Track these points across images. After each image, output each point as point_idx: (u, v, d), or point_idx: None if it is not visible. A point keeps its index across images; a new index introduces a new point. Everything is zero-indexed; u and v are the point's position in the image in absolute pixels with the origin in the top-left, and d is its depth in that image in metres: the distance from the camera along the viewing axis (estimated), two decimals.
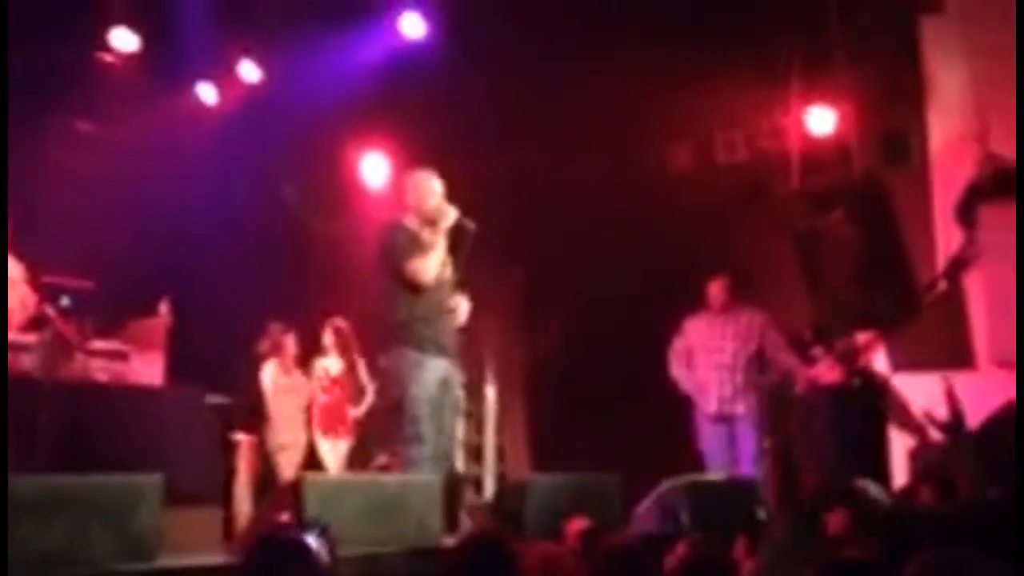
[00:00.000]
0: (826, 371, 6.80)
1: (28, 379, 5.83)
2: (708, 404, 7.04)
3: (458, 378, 5.88)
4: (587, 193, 8.21)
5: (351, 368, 7.86)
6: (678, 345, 7.23)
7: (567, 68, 7.76)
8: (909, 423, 6.73)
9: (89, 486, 4.30)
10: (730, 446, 7.00)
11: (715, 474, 6.64)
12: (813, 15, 7.19)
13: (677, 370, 7.17)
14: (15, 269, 6.19)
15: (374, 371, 8.14)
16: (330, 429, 7.76)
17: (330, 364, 7.83)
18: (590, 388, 7.96)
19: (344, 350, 7.87)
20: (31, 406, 5.72)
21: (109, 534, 4.27)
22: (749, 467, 6.88)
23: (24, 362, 5.89)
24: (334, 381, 7.81)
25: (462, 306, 5.80)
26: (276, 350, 7.71)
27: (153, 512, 4.45)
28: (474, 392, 9.49)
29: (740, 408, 7.01)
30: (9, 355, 5.85)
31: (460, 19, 7.80)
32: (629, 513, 5.77)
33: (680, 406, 7.15)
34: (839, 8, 7.08)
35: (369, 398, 7.87)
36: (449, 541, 5.99)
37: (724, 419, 7.01)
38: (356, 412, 7.83)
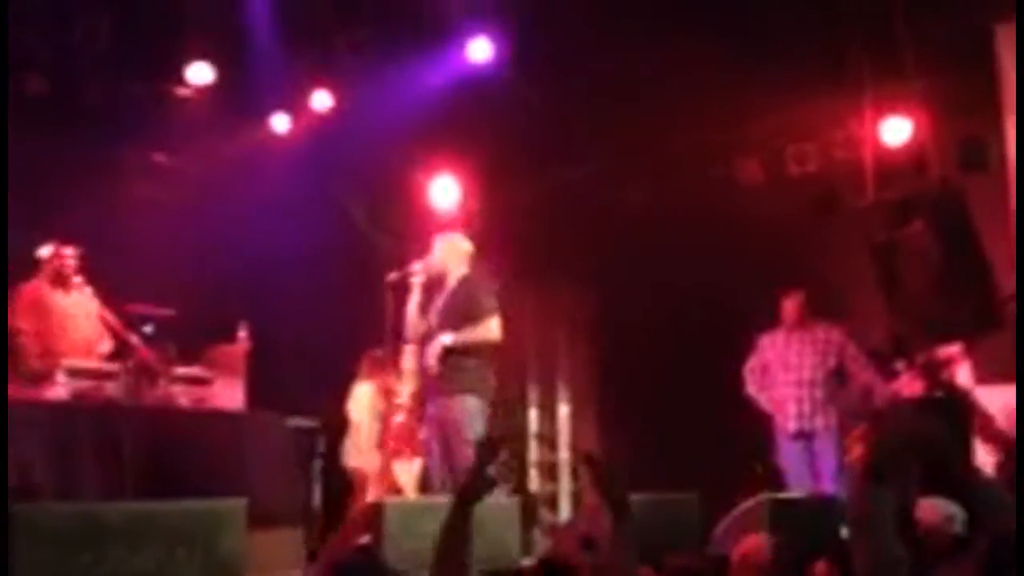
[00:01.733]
0: (908, 385, 6.66)
1: (113, 406, 5.96)
2: (787, 421, 6.95)
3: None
4: (656, 209, 8.18)
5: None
6: (753, 363, 7.15)
7: (632, 84, 7.75)
8: (994, 436, 6.56)
9: (176, 511, 4.38)
10: (810, 463, 6.90)
11: (796, 492, 6.54)
12: (883, 24, 7.09)
13: (753, 388, 7.10)
14: (92, 302, 6.35)
15: None
16: (402, 450, 7.80)
17: (402, 385, 7.88)
18: (664, 406, 7.90)
19: (417, 372, 7.90)
20: (116, 432, 5.86)
21: (196, 558, 4.35)
22: (830, 484, 6.76)
23: (109, 390, 6.01)
24: (407, 403, 7.85)
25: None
26: (373, 373, 7.78)
27: (238, 536, 4.52)
28: (546, 411, 9.50)
29: (819, 424, 6.90)
30: (95, 383, 5.99)
31: (523, 40, 7.83)
32: (708, 533, 5.71)
33: (758, 423, 7.06)
34: (908, 16, 6.97)
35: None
36: (526, 562, 6.00)
37: (803, 436, 6.91)
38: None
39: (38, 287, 6.20)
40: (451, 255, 6.12)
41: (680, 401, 7.72)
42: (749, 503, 5.74)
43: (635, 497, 5.71)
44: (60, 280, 6.22)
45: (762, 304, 7.17)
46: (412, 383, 7.81)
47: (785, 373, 6.99)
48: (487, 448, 2.86)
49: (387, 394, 7.76)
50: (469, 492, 2.76)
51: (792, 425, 6.93)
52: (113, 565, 4.07)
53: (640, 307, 8.33)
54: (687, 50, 7.26)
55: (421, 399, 7.80)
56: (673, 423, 7.75)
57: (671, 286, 8.06)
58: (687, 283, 7.92)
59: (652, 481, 6.32)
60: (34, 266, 6.29)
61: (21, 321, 6.10)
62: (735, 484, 6.06)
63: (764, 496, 5.83)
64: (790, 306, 7.06)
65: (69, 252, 6.19)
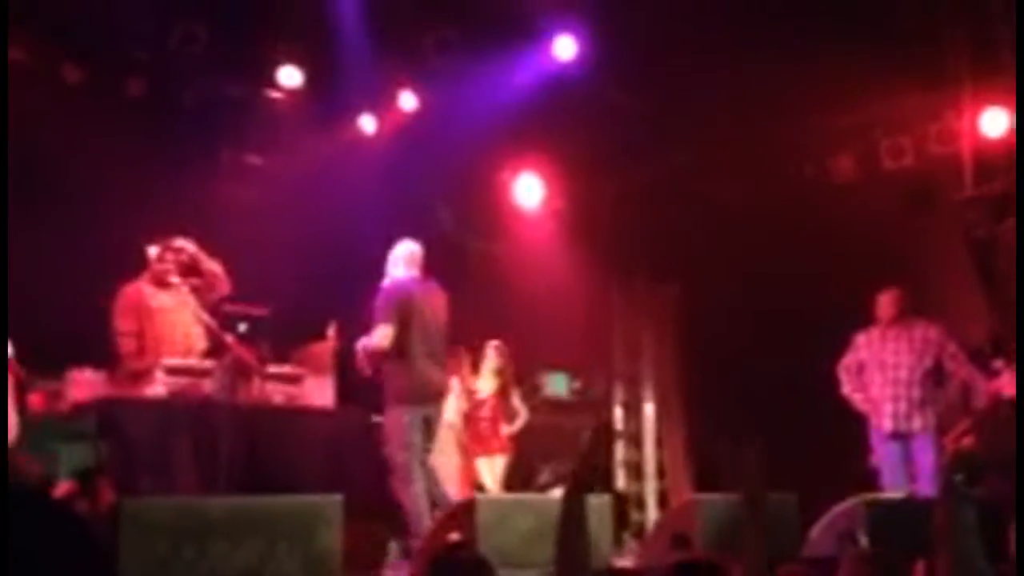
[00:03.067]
0: (1009, 383, 6.47)
1: (210, 403, 6.09)
2: (883, 421, 6.80)
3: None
4: (744, 205, 8.08)
5: (505, 388, 7.92)
6: (848, 361, 7.00)
7: (719, 80, 7.65)
8: None
9: (276, 507, 4.47)
10: (907, 464, 6.74)
11: (893, 493, 6.40)
12: (979, 15, 6.90)
13: (847, 387, 6.95)
14: (190, 301, 6.48)
15: (528, 392, 8.22)
16: (486, 447, 7.83)
17: (484, 384, 7.91)
18: (755, 405, 7.79)
19: (500, 371, 7.94)
20: (213, 429, 5.99)
21: (295, 553, 4.43)
22: (927, 485, 6.60)
23: (206, 387, 6.14)
24: (489, 401, 7.88)
25: None
26: (454, 372, 7.84)
27: (334, 531, 4.59)
28: (632, 409, 9.45)
29: (917, 424, 6.74)
30: (192, 380, 6.12)
31: (608, 36, 7.80)
32: (805, 535, 5.62)
33: (853, 423, 6.92)
34: (1005, 7, 6.77)
35: (523, 418, 7.90)
36: (619, 562, 5.98)
37: (900, 436, 6.75)
38: (510, 430, 7.87)
39: (139, 288, 6.34)
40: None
41: (772, 400, 7.61)
42: (846, 504, 5.64)
43: (732, 497, 5.71)
44: (161, 280, 6.36)
45: (857, 302, 7.02)
46: (493, 381, 7.84)
47: (881, 372, 6.83)
48: (597, 437, 2.85)
49: (468, 392, 7.81)
50: (581, 481, 2.75)
51: (888, 425, 6.78)
52: (216, 559, 4.17)
53: (728, 305, 8.23)
54: (776, 43, 7.15)
55: (503, 397, 7.85)
56: (765, 422, 7.63)
57: (760, 283, 7.95)
58: (777, 280, 7.80)
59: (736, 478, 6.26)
60: (137, 266, 6.45)
61: (122, 322, 6.24)
62: (831, 484, 5.94)
63: (861, 498, 5.72)
64: (886, 303, 6.90)
65: (171, 257, 6.33)
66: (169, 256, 6.33)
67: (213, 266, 6.44)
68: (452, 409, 7.72)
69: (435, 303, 6.13)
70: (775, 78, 7.28)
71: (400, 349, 5.86)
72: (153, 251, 6.34)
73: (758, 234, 7.99)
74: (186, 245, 6.37)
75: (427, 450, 6.05)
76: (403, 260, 6.14)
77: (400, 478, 5.78)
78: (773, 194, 7.91)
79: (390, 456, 5.86)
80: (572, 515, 2.78)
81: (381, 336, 5.84)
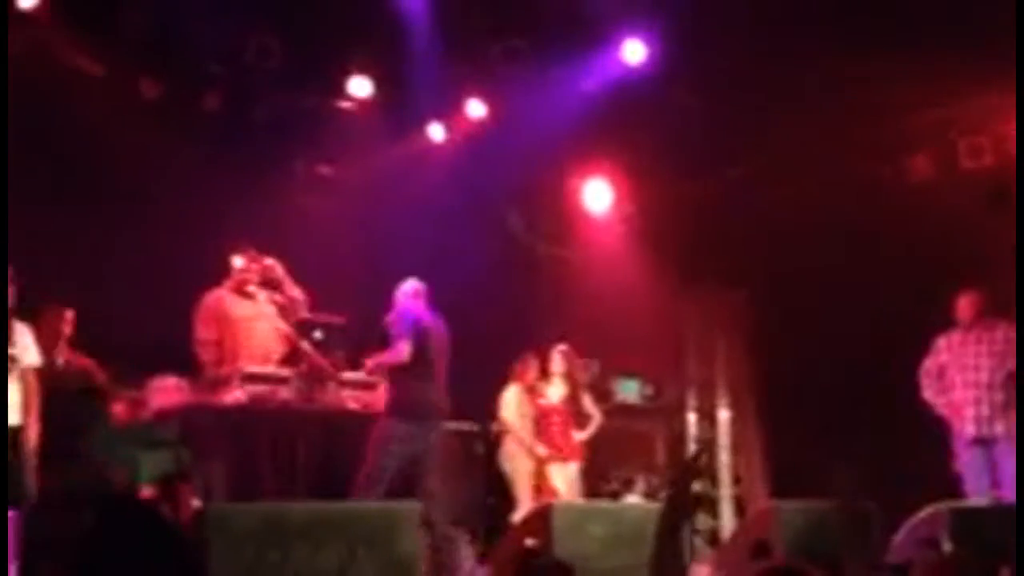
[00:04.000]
0: None
1: (288, 410, 6.18)
2: (965, 426, 6.64)
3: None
4: (817, 208, 7.96)
5: (574, 393, 7.90)
6: (928, 364, 6.85)
7: (791, 81, 7.56)
8: None
9: (356, 512, 4.54)
10: (990, 469, 6.58)
11: (978, 500, 6.26)
12: None
13: (928, 392, 6.80)
14: (271, 306, 6.60)
15: (598, 396, 8.19)
16: (558, 453, 7.81)
17: (554, 389, 7.91)
18: (832, 410, 7.68)
19: (568, 375, 7.92)
20: (291, 435, 6.08)
21: (375, 559, 4.48)
22: (1011, 491, 6.44)
23: (283, 394, 6.23)
24: (559, 406, 7.86)
25: None
26: (519, 377, 7.86)
27: (414, 537, 4.64)
28: (706, 415, 9.37)
29: (999, 429, 6.57)
30: (270, 387, 6.21)
31: (677, 40, 7.75)
32: (886, 542, 5.53)
33: (934, 427, 6.78)
34: None
35: (596, 422, 7.87)
36: (697, 568, 5.93)
37: (983, 441, 6.59)
38: (582, 436, 7.84)
39: (220, 297, 6.47)
40: None
41: (848, 406, 7.49)
42: (928, 511, 5.55)
43: (811, 504, 5.64)
44: (242, 289, 6.49)
45: (933, 304, 6.89)
46: (562, 387, 7.83)
47: (962, 375, 6.68)
48: (692, 468, 2.83)
49: (533, 397, 7.79)
50: (676, 512, 2.72)
51: (970, 430, 6.62)
52: (299, 563, 4.24)
53: (801, 309, 8.12)
54: (849, 42, 7.04)
55: (573, 402, 7.84)
56: (842, 427, 7.53)
57: (834, 287, 7.83)
58: (851, 283, 7.68)
59: (821, 488, 6.18)
60: (216, 275, 6.57)
61: (203, 331, 6.37)
62: (912, 491, 5.84)
63: (944, 504, 5.62)
64: (965, 305, 6.75)
65: (256, 268, 6.46)
66: (254, 267, 6.47)
67: (296, 292, 6.60)
68: (512, 412, 7.72)
69: (441, 334, 6.32)
70: (849, 78, 7.18)
71: (407, 366, 6.00)
72: (239, 262, 6.47)
73: (831, 237, 7.87)
74: (276, 266, 6.53)
75: (427, 471, 6.04)
76: (411, 293, 6.34)
77: (367, 475, 5.79)
78: (847, 196, 7.78)
79: (367, 455, 5.90)
80: (664, 548, 2.75)
81: (402, 351, 5.97)
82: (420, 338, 6.06)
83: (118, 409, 6.49)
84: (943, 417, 6.76)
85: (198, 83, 7.64)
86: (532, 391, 7.88)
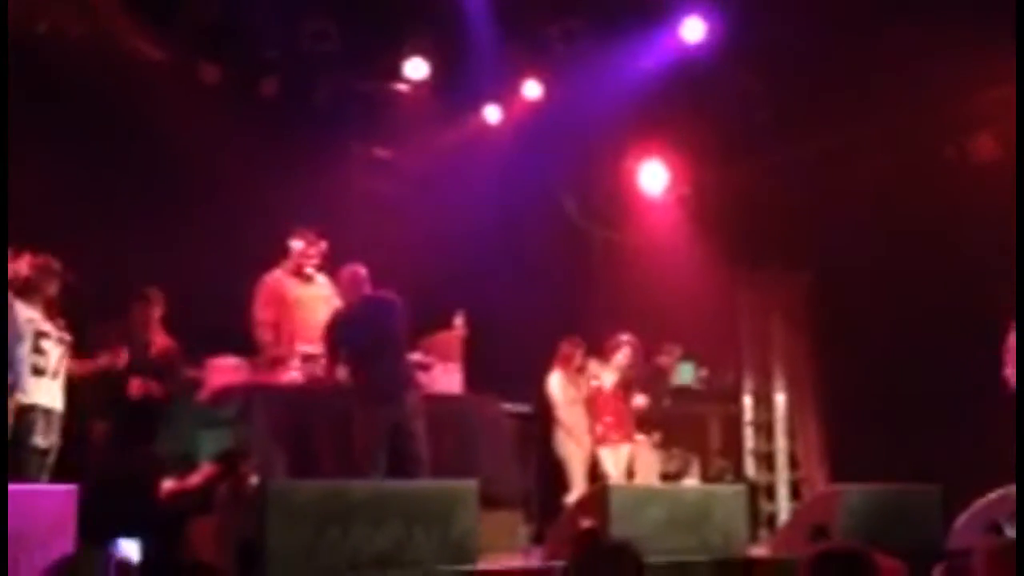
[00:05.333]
0: None
1: (343, 389, 6.18)
2: None
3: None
4: (875, 190, 7.82)
5: (627, 384, 7.85)
6: (1012, 342, 6.67)
7: (852, 60, 7.43)
8: None
9: (414, 491, 4.56)
10: None
11: None
12: None
13: (1007, 369, 6.63)
14: (327, 287, 6.65)
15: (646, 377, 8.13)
16: (609, 437, 7.77)
17: (608, 374, 7.86)
18: (893, 394, 7.55)
19: (627, 367, 7.87)
20: (346, 414, 6.12)
21: (432, 537, 4.50)
22: None
23: (339, 374, 6.27)
24: (612, 390, 7.82)
25: None
26: (563, 361, 7.82)
27: (471, 516, 4.65)
28: (763, 399, 9.28)
29: None
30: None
31: (737, 17, 7.65)
32: (949, 527, 5.45)
33: (999, 410, 6.62)
34: None
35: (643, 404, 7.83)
36: (754, 551, 5.89)
37: None
38: (639, 409, 7.78)
39: (278, 279, 6.55)
40: None
41: (910, 389, 7.36)
42: (992, 496, 5.45)
43: (872, 488, 5.57)
44: (300, 272, 6.56)
45: (999, 285, 6.72)
46: (616, 375, 7.78)
47: None
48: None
49: (575, 382, 7.75)
50: None
51: None
52: (358, 540, 4.27)
53: (862, 291, 8.00)
54: (911, 18, 6.89)
55: (627, 387, 7.79)
56: (904, 412, 7.41)
57: (896, 268, 7.70)
58: (913, 264, 7.54)
59: (881, 472, 6.10)
60: (274, 257, 6.64)
61: (261, 312, 6.46)
62: (977, 475, 5.73)
63: (1008, 489, 5.51)
64: None
65: (314, 252, 6.53)
66: (312, 250, 6.53)
67: None
68: (558, 397, 7.68)
69: (384, 313, 6.27)
70: (911, 56, 7.04)
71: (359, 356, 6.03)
72: (298, 244, 6.53)
73: (892, 218, 7.73)
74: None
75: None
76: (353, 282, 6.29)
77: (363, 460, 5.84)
78: (910, 176, 7.63)
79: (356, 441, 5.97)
80: None
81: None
82: (358, 332, 6.06)
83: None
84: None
85: (256, 68, 7.71)
86: (581, 374, 7.84)
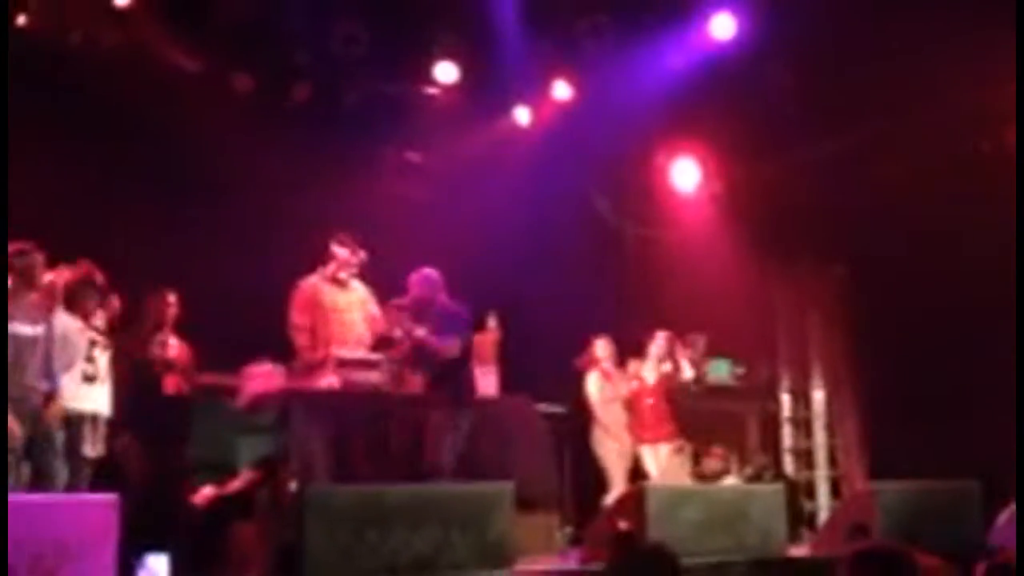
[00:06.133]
0: None
1: (380, 394, 6.26)
2: None
3: None
4: (914, 183, 7.74)
5: (673, 374, 7.82)
6: None
7: (885, 53, 7.34)
8: None
9: (451, 494, 4.58)
10: None
11: None
12: None
13: None
14: (363, 291, 6.69)
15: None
16: (649, 434, 7.74)
17: (648, 371, 7.83)
18: (929, 387, 7.47)
19: (667, 356, 7.84)
20: (384, 418, 6.16)
21: (469, 539, 4.51)
22: None
23: (375, 378, 6.31)
24: (653, 389, 7.79)
25: None
26: (594, 361, 7.81)
27: (507, 519, 4.66)
28: (800, 396, 9.22)
29: None
30: (362, 372, 6.30)
31: (767, 14, 7.59)
32: (990, 523, 5.38)
33: None
34: None
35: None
36: (793, 551, 5.85)
37: None
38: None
39: (315, 285, 6.58)
40: None
41: (950, 383, 7.28)
42: None
43: (911, 484, 5.52)
44: (336, 278, 6.60)
45: None
46: (656, 371, 7.75)
47: None
48: None
49: (613, 380, 7.73)
50: None
51: None
52: (396, 544, 4.29)
53: (899, 285, 7.92)
54: (945, 9, 6.80)
55: (667, 386, 7.76)
56: (942, 405, 7.33)
57: (934, 263, 7.62)
58: (951, 258, 7.45)
59: (921, 469, 6.04)
60: (310, 262, 6.69)
61: (297, 317, 6.50)
62: (1012, 471, 5.65)
63: None
64: None
65: (355, 260, 6.57)
66: (355, 260, 6.57)
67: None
68: (596, 397, 7.65)
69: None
70: (945, 47, 6.93)
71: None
72: (342, 252, 6.57)
73: (927, 210, 7.64)
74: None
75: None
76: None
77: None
78: (945, 170, 7.54)
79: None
80: None
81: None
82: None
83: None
84: None
85: (288, 75, 7.76)
86: (621, 372, 7.82)
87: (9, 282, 5.32)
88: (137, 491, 5.57)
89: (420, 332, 6.16)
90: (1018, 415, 6.20)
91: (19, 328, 5.21)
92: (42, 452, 5.21)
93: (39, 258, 5.44)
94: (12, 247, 5.38)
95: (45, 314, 5.32)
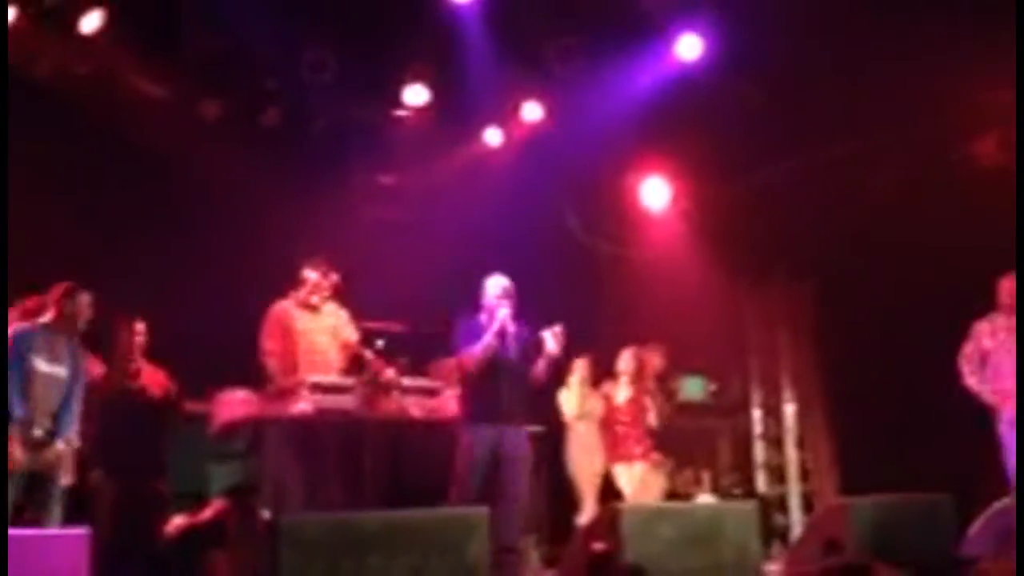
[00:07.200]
0: None
1: (353, 418, 6.24)
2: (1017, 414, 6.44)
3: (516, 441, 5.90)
4: (878, 198, 7.82)
5: (644, 393, 7.85)
6: (970, 350, 6.63)
7: (849, 66, 7.43)
8: None
9: (428, 520, 4.54)
10: None
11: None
12: None
13: (972, 378, 6.59)
14: (343, 314, 6.67)
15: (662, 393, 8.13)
16: (623, 453, 7.77)
17: (620, 389, 7.86)
18: (900, 401, 7.54)
19: (639, 375, 7.87)
20: (357, 443, 6.14)
21: (446, 565, 4.49)
22: None
23: (347, 403, 6.29)
24: (625, 406, 7.82)
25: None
26: (567, 379, 7.83)
27: (484, 544, 4.63)
28: (771, 411, 9.27)
29: None
30: (335, 397, 6.28)
31: (733, 32, 7.67)
32: (962, 535, 5.43)
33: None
34: None
35: (657, 415, 7.82)
36: (767, 567, 5.87)
37: None
38: (652, 428, 7.78)
39: (286, 308, 6.56)
40: None
41: (920, 397, 7.35)
42: (1004, 502, 5.43)
43: (884, 499, 5.55)
44: (307, 303, 6.58)
45: None
46: (629, 388, 7.78)
47: (1010, 361, 6.46)
48: None
49: (586, 398, 7.76)
50: None
51: None
52: (372, 572, 4.26)
53: (869, 300, 7.99)
54: (912, 23, 6.88)
55: (640, 402, 7.79)
56: (912, 419, 7.40)
57: (900, 277, 7.69)
58: (920, 272, 7.53)
59: (892, 482, 6.08)
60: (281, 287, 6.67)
61: (268, 342, 6.47)
62: (990, 482, 5.71)
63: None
64: (1010, 288, 6.57)
65: (327, 284, 6.55)
66: (326, 284, 6.56)
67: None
68: (567, 409, 7.67)
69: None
70: (912, 63, 7.02)
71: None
72: (312, 275, 6.55)
73: (897, 225, 7.72)
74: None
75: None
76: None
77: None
78: (914, 183, 7.62)
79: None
80: None
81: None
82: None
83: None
84: (988, 404, 6.58)
85: (257, 100, 7.78)
86: (593, 390, 7.84)
87: (50, 316, 5.41)
88: (109, 524, 5.54)
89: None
90: (1019, 421, 6.26)
91: (54, 368, 5.41)
92: (41, 488, 5.30)
93: (86, 299, 5.57)
94: (59, 288, 5.56)
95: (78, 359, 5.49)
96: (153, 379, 6.33)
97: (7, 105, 6.11)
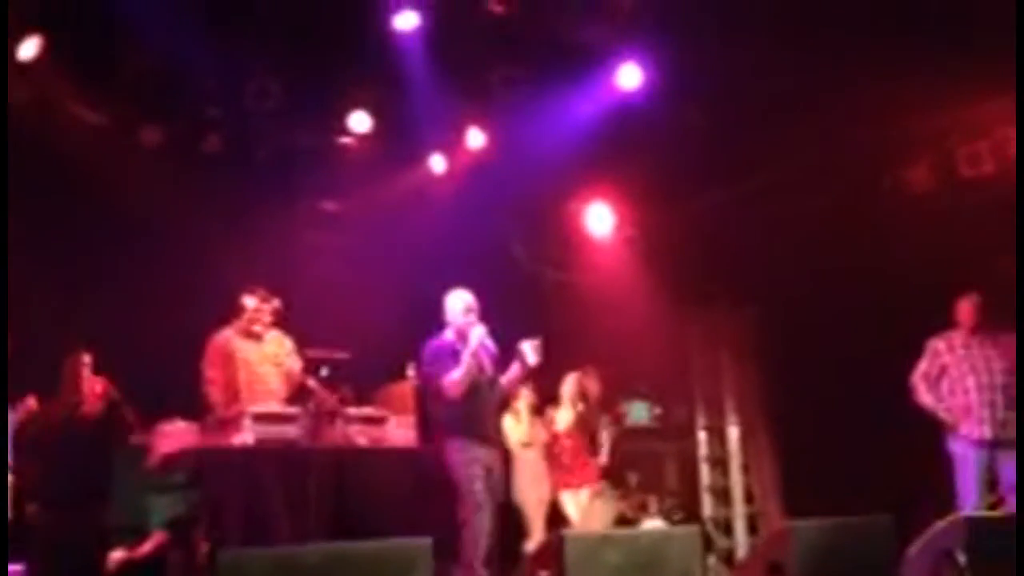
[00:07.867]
0: None
1: (296, 449, 6.17)
2: (980, 428, 6.55)
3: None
4: (820, 223, 7.95)
5: (587, 418, 7.88)
6: (927, 368, 6.75)
7: (785, 95, 7.57)
8: None
9: (369, 552, 4.51)
10: (989, 475, 6.53)
11: (967, 506, 6.23)
12: None
13: (927, 396, 6.72)
14: (287, 343, 6.62)
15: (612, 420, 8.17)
16: (568, 480, 7.78)
17: (561, 412, 7.88)
18: (842, 425, 7.65)
19: (582, 400, 7.90)
20: (301, 474, 6.07)
21: None
22: (1012, 499, 6.39)
23: (291, 433, 6.22)
24: (569, 432, 7.83)
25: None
26: (510, 405, 7.82)
27: (428, 574, 4.61)
28: (715, 434, 9.35)
29: (1011, 432, 6.51)
30: (277, 426, 6.21)
31: (673, 61, 7.77)
32: (901, 556, 5.50)
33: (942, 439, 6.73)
34: None
35: (606, 446, 7.84)
36: None
37: (993, 444, 6.53)
38: (598, 461, 7.81)
39: (228, 337, 6.50)
40: None
41: (860, 419, 7.46)
42: (943, 523, 5.51)
43: (825, 521, 5.61)
44: (249, 331, 6.52)
45: (941, 316, 6.86)
46: (571, 412, 7.79)
47: (975, 377, 6.59)
48: None
49: (530, 425, 7.76)
50: None
51: (986, 432, 6.52)
52: None
53: (808, 324, 8.11)
54: (847, 54, 7.02)
55: (585, 427, 7.81)
56: (853, 441, 7.50)
57: (841, 301, 7.82)
58: (858, 297, 7.67)
59: (835, 504, 6.15)
60: (223, 315, 6.59)
61: (211, 371, 6.40)
62: (928, 502, 5.80)
63: (959, 516, 5.58)
64: (968, 308, 6.71)
65: (267, 309, 6.49)
66: (265, 308, 6.49)
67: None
68: (510, 438, 7.65)
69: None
70: (847, 89, 7.16)
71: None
72: (251, 302, 6.49)
73: (834, 251, 7.86)
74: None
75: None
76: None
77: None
78: (850, 209, 7.77)
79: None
80: None
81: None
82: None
83: None
84: (942, 422, 6.70)
85: (198, 127, 7.71)
86: (537, 417, 7.84)
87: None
88: (47, 559, 5.43)
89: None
90: (1019, 425, 6.35)
91: None
92: None
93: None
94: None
95: None
96: (92, 394, 6.20)
97: (7, 109, 6.01)
